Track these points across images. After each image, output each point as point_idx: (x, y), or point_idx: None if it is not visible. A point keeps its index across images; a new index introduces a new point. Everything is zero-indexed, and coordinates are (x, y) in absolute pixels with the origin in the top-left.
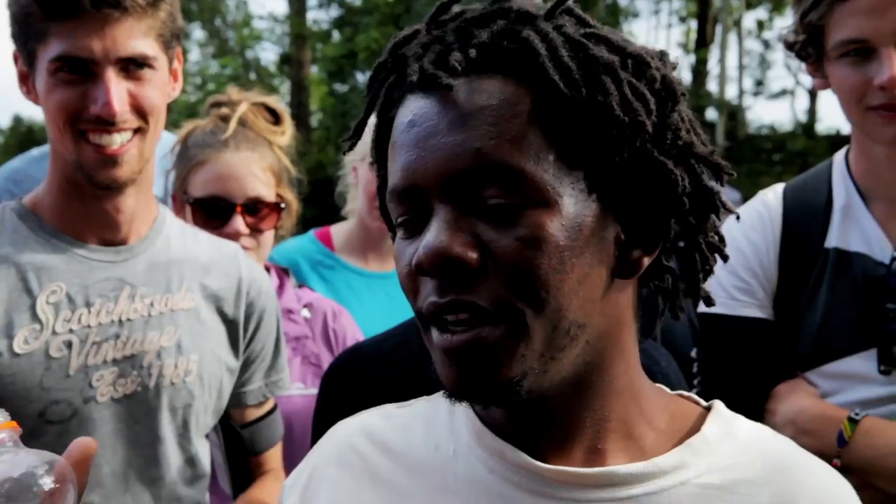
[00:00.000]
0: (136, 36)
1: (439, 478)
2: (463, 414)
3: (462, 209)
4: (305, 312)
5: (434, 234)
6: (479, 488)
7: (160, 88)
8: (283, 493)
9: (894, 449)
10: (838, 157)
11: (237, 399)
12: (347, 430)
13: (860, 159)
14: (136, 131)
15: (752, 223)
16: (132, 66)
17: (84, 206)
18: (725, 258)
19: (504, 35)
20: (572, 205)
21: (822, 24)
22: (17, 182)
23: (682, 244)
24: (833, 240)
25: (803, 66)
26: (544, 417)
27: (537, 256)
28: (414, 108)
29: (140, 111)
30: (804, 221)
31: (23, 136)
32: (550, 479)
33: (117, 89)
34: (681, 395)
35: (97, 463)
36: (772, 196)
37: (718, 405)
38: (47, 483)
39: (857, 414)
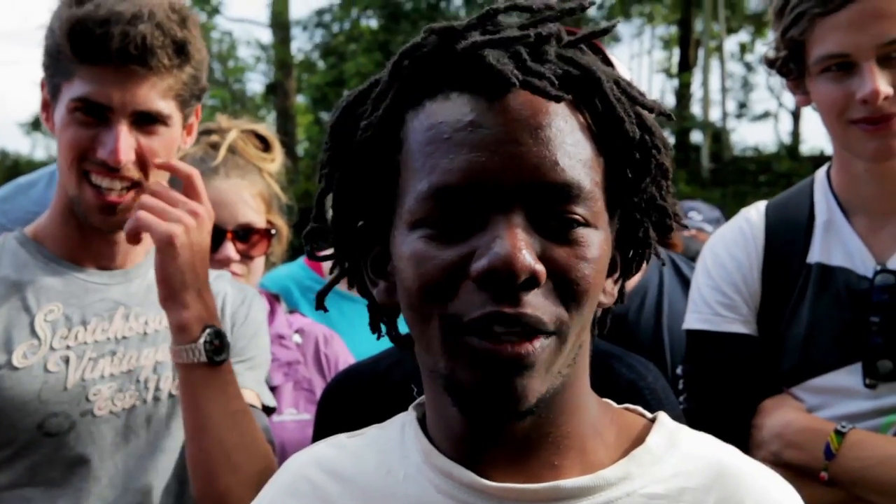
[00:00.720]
0: (155, 94)
1: (389, 502)
2: (413, 436)
3: (529, 221)
4: (297, 338)
5: (506, 245)
6: None
7: (168, 145)
8: None
9: (881, 460)
10: (820, 173)
11: None
12: (300, 462)
13: (841, 174)
14: (135, 185)
15: (735, 240)
16: (145, 121)
17: (82, 236)
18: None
19: (568, 61)
20: (605, 231)
21: (804, 39)
22: (4, 212)
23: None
24: (815, 255)
25: (785, 87)
26: (511, 436)
27: (589, 270)
28: (471, 109)
29: (143, 164)
30: (787, 237)
31: (8, 171)
32: (498, 496)
33: (126, 139)
34: (626, 408)
35: (96, 475)
36: (754, 213)
37: (663, 416)
38: None
39: (843, 426)
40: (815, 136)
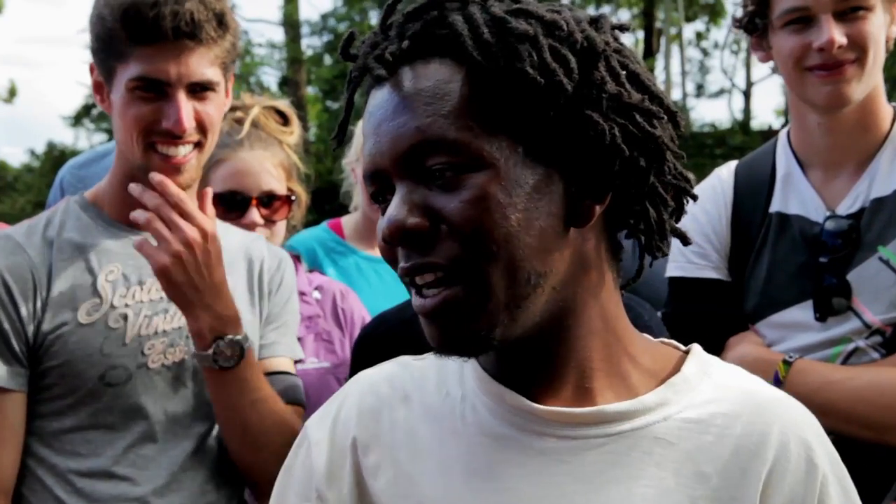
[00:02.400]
0: (205, 63)
1: (448, 421)
2: (471, 362)
3: (416, 182)
4: (316, 294)
5: (391, 209)
6: (484, 430)
7: (219, 108)
8: (310, 424)
9: (822, 385)
10: (782, 133)
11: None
12: (372, 375)
13: (797, 131)
14: (196, 145)
15: (707, 195)
16: (198, 89)
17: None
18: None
19: (435, 23)
20: (511, 167)
21: None
22: (81, 178)
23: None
24: (776, 205)
25: (737, 67)
26: (531, 362)
27: (482, 214)
28: (373, 100)
29: (202, 127)
30: (752, 191)
31: (55, 160)
32: (546, 419)
33: (186, 109)
34: (662, 342)
35: (151, 421)
36: (725, 171)
37: (697, 348)
38: None
39: (790, 357)
40: (764, 113)
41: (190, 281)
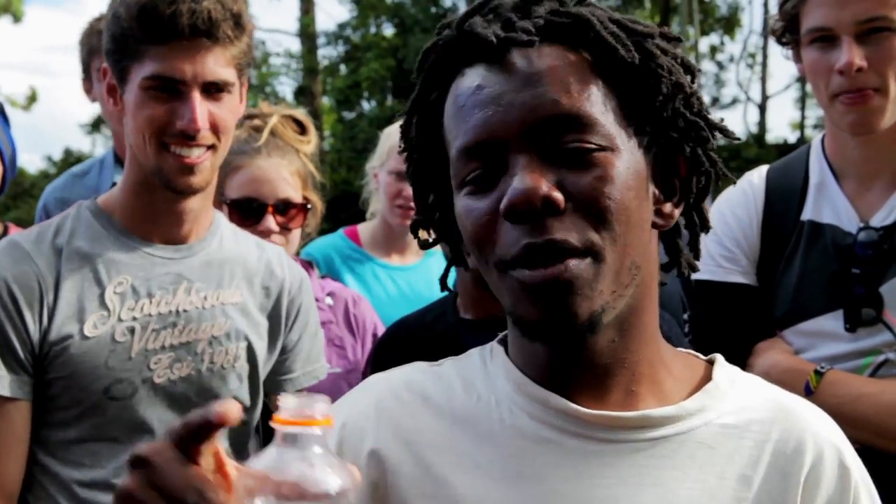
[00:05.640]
0: (220, 63)
1: (485, 425)
2: (501, 366)
3: (541, 156)
4: (329, 300)
5: (522, 179)
6: (524, 433)
7: (233, 110)
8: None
9: (854, 397)
10: (815, 140)
11: (277, 386)
12: (389, 380)
13: (832, 140)
14: (210, 147)
15: (738, 200)
16: (213, 90)
17: (153, 208)
18: (707, 229)
19: (557, 13)
20: (630, 154)
21: (797, 12)
22: (63, 202)
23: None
24: (808, 213)
25: (751, 81)
26: (590, 360)
27: (612, 191)
28: (479, 76)
29: (216, 129)
30: (783, 197)
31: (72, 167)
32: (591, 422)
33: (201, 109)
34: (685, 352)
35: (156, 435)
36: (756, 176)
37: (720, 358)
38: None
39: (822, 367)
40: (779, 127)
41: None
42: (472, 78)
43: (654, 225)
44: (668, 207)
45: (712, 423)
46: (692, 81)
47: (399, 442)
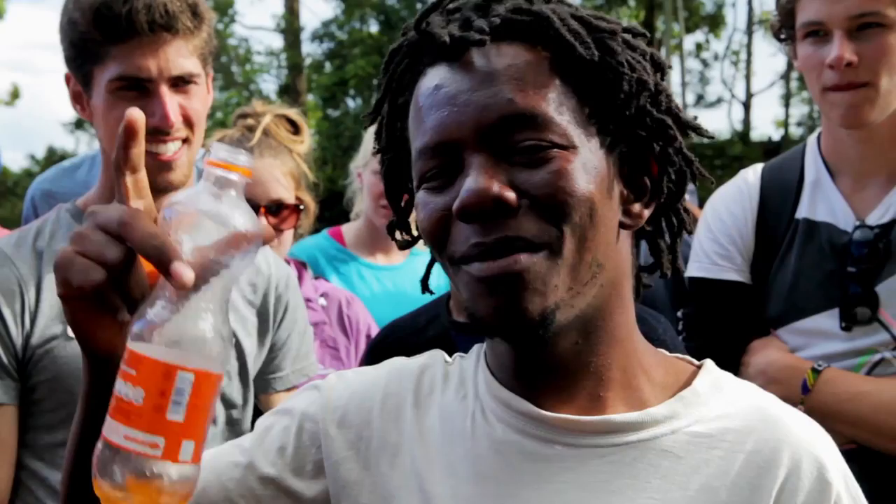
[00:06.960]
0: (183, 55)
1: (462, 424)
2: (482, 367)
3: (495, 156)
4: (322, 301)
5: (474, 179)
6: (490, 435)
7: (202, 102)
8: (331, 379)
9: (851, 396)
10: (812, 137)
11: (267, 385)
12: (409, 367)
13: (827, 138)
14: (184, 141)
15: (733, 197)
16: (181, 83)
17: None
18: (690, 232)
19: (517, 10)
20: (589, 153)
21: (792, 7)
22: (52, 195)
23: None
24: (803, 211)
25: (735, 79)
26: (552, 363)
27: (567, 186)
28: (437, 76)
29: (188, 122)
30: (779, 195)
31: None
32: (553, 426)
33: (171, 103)
34: (677, 357)
35: None
36: (751, 174)
37: (709, 363)
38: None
39: (819, 365)
40: (764, 124)
41: None
42: (432, 78)
43: (622, 225)
44: (636, 207)
45: (680, 432)
46: (662, 78)
47: (394, 432)
